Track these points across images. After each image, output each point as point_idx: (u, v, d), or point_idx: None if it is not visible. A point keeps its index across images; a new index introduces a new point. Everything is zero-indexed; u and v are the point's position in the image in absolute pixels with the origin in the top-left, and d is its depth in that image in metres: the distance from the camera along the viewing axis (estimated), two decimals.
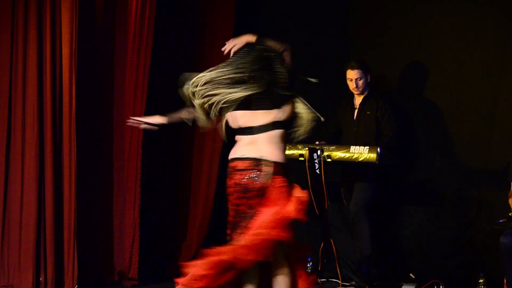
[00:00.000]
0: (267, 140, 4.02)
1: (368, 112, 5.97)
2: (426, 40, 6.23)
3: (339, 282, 5.98)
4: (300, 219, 3.93)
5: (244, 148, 4.04)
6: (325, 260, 6.04)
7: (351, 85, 6.00)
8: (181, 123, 4.28)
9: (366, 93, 6.03)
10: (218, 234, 6.59)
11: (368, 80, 6.00)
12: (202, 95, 4.03)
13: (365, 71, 5.97)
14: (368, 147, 5.67)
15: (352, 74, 5.97)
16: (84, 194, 5.88)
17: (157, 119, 4.30)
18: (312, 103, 4.12)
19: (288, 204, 3.93)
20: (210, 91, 4.01)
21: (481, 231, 5.95)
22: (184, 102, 4.14)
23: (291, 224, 3.93)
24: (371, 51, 6.35)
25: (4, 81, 5.75)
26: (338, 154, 5.73)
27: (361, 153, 5.68)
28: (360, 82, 5.97)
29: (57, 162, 5.75)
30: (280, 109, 4.04)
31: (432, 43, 6.20)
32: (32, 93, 5.71)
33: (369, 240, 5.87)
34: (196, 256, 6.41)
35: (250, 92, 4.00)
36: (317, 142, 5.81)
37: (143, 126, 4.38)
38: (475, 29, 6.05)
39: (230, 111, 4.05)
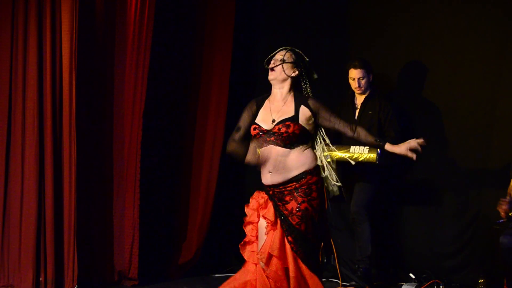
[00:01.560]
0: None
1: (370, 112, 5.97)
2: (426, 39, 6.24)
3: (339, 282, 5.95)
4: None
5: None
6: (325, 260, 6.03)
7: (353, 84, 6.00)
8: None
9: (368, 92, 6.03)
10: (218, 234, 6.64)
11: (370, 79, 6.01)
12: None
13: (368, 71, 5.98)
14: (368, 147, 5.66)
15: (354, 73, 5.97)
16: (84, 194, 5.88)
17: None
18: None
19: None
20: None
21: (481, 231, 5.95)
22: None
23: None
24: (371, 51, 6.35)
25: (4, 81, 5.75)
26: (338, 154, 5.71)
27: (361, 153, 5.67)
28: (363, 82, 5.98)
29: (57, 162, 5.74)
30: None
31: (432, 42, 6.21)
32: (32, 93, 5.70)
33: (369, 240, 5.87)
34: (196, 256, 6.41)
35: None
36: None
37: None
38: (475, 29, 6.06)
39: None
